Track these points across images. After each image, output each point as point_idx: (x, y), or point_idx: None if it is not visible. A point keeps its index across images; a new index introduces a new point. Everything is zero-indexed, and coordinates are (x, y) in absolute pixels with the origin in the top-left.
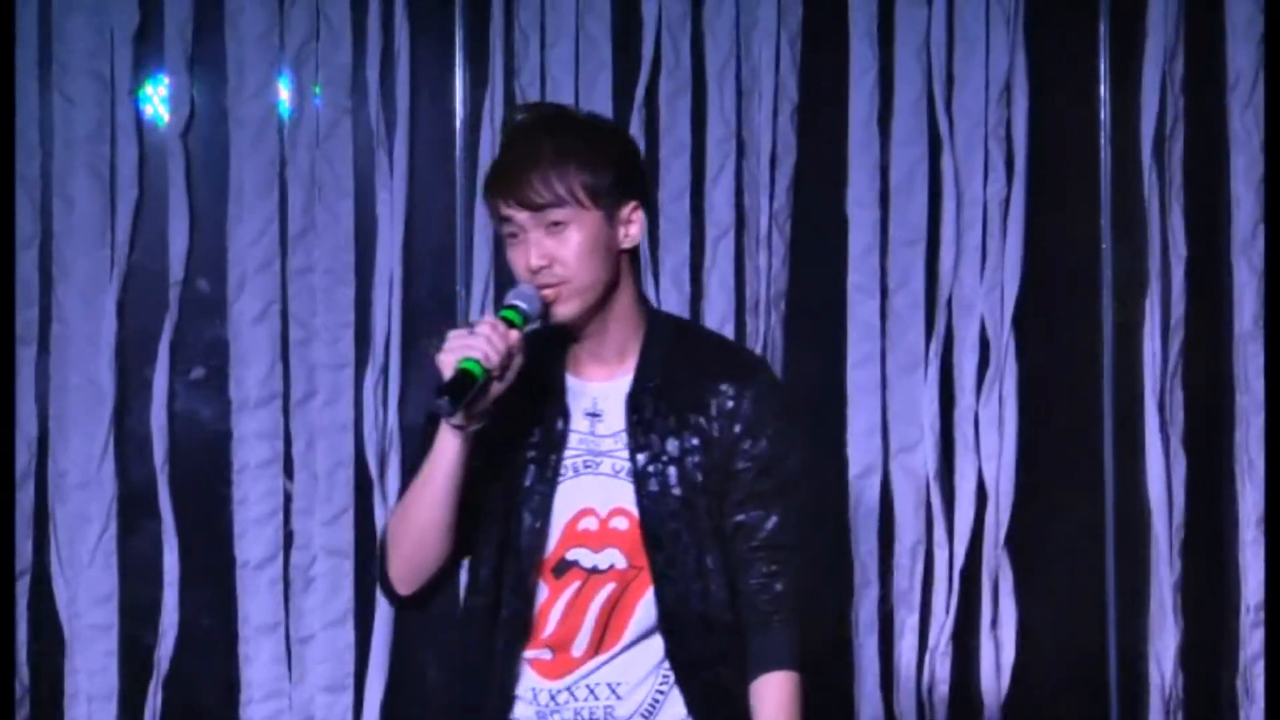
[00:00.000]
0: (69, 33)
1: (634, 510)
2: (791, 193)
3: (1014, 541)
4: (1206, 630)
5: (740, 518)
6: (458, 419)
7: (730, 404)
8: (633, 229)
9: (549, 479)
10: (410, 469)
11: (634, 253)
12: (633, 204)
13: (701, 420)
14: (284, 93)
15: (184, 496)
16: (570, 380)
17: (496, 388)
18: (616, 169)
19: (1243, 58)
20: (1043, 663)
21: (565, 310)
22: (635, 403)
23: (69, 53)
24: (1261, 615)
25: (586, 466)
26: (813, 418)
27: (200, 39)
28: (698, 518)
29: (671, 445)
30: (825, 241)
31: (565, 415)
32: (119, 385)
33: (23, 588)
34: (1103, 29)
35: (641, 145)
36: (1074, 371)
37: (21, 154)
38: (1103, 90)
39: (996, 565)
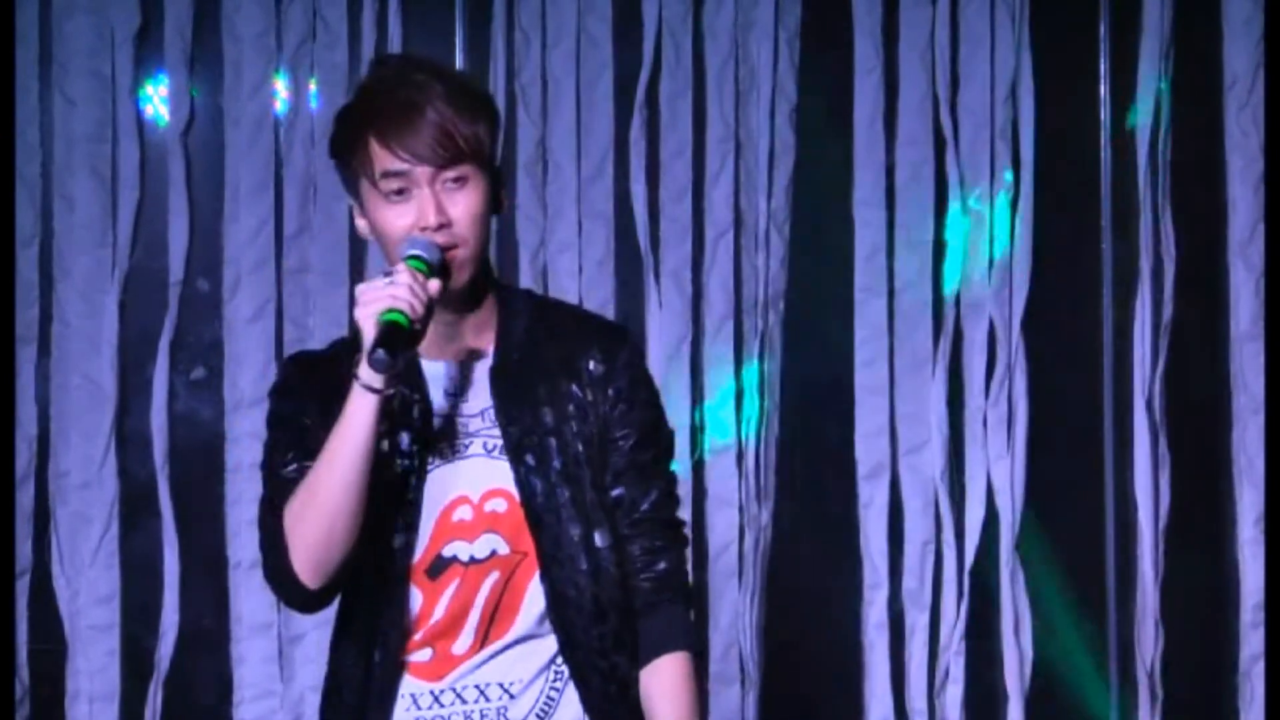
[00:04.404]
0: (69, 33)
1: (512, 489)
2: (790, 193)
3: (1021, 541)
4: (1206, 630)
5: (618, 492)
6: (377, 381)
7: (603, 369)
8: (503, 195)
9: (414, 470)
10: (273, 459)
11: None
12: (498, 170)
13: (575, 387)
14: (282, 93)
15: (184, 496)
16: (425, 364)
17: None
18: (499, 126)
19: (1239, 59)
20: (1048, 662)
21: (460, 278)
22: (501, 374)
23: (69, 53)
24: (1261, 615)
25: (455, 451)
26: (816, 417)
27: (200, 39)
28: (582, 491)
29: (546, 415)
30: (826, 241)
31: (424, 399)
32: (120, 385)
33: (23, 587)
34: (1103, 29)
35: (643, 146)
36: (1076, 371)
37: (22, 154)
38: (1103, 90)
39: (1007, 565)
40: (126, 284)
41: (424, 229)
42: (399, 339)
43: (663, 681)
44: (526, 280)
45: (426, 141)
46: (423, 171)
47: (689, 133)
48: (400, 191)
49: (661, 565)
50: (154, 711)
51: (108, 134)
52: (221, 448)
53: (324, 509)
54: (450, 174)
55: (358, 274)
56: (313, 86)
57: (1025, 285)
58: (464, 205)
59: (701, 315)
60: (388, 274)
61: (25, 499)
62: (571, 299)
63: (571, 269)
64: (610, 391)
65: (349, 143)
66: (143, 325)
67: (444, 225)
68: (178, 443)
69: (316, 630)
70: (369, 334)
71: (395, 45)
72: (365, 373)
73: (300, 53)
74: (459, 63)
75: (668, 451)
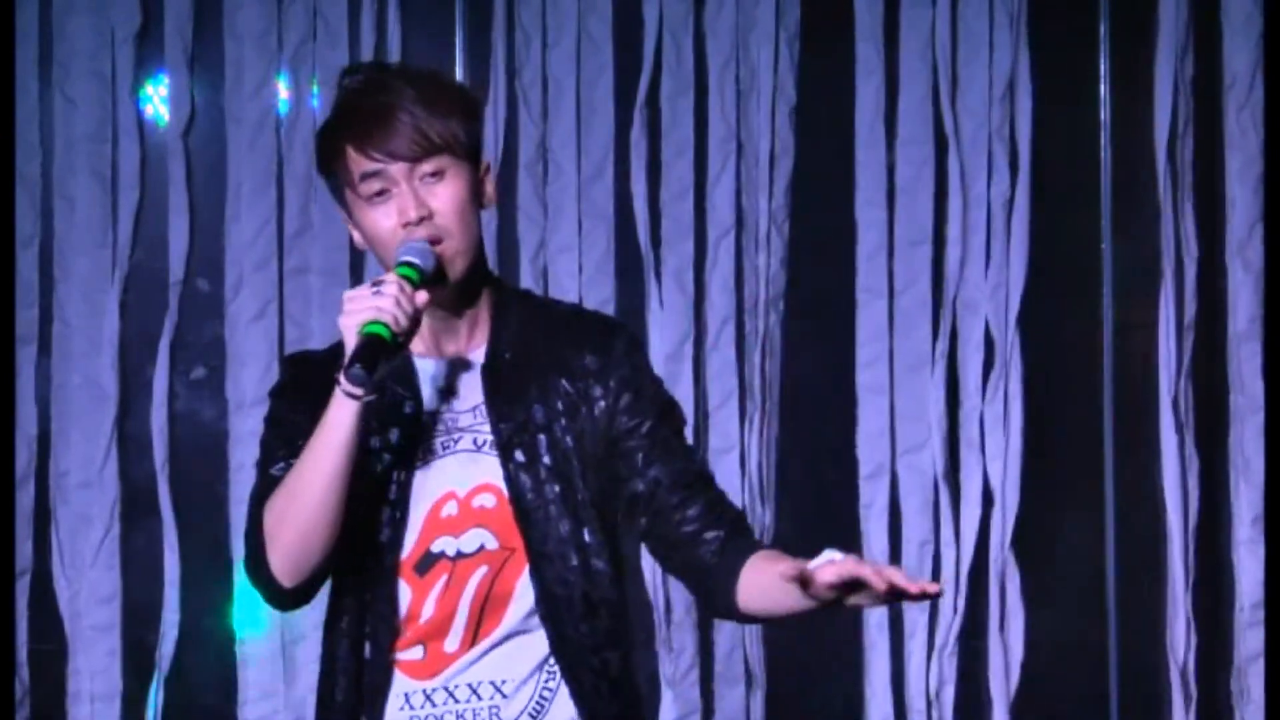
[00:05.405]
0: (70, 33)
1: (500, 484)
2: (790, 193)
3: (1019, 541)
4: (1205, 630)
5: (654, 472)
6: (357, 389)
7: (599, 363)
8: (489, 188)
9: (404, 466)
10: (266, 457)
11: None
12: (486, 162)
13: (565, 383)
14: (283, 93)
15: (185, 496)
16: (417, 360)
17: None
18: (478, 120)
19: (1240, 58)
20: (1047, 663)
21: (454, 271)
22: (493, 371)
23: (70, 53)
24: (1259, 615)
25: (444, 447)
26: (817, 417)
27: (200, 38)
28: (572, 488)
29: (537, 412)
30: (826, 242)
31: (416, 396)
32: (120, 385)
33: (23, 588)
34: (1103, 29)
35: (644, 146)
36: (1076, 371)
37: (22, 154)
38: (1103, 90)
39: (1003, 565)
40: (127, 284)
41: (406, 224)
42: (379, 352)
43: (758, 554)
44: (527, 280)
45: (398, 140)
46: (398, 169)
47: (690, 133)
48: (381, 193)
49: (733, 513)
50: (155, 712)
51: (108, 134)
52: (223, 447)
53: (302, 511)
54: (426, 167)
55: (359, 274)
56: (314, 86)
57: (1020, 284)
58: (444, 197)
59: (703, 315)
60: (377, 283)
61: (25, 499)
62: (572, 299)
63: (572, 269)
64: (612, 383)
65: (330, 154)
66: (143, 325)
67: (425, 218)
68: (178, 443)
69: (317, 632)
70: (350, 345)
71: (395, 45)
72: (345, 381)
73: (301, 52)
74: (459, 62)
75: (682, 428)
